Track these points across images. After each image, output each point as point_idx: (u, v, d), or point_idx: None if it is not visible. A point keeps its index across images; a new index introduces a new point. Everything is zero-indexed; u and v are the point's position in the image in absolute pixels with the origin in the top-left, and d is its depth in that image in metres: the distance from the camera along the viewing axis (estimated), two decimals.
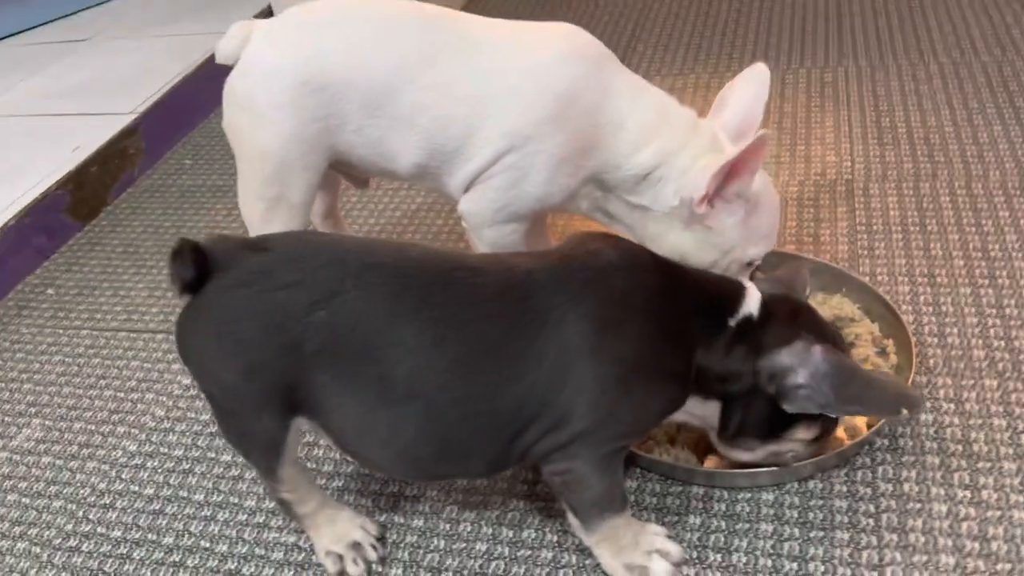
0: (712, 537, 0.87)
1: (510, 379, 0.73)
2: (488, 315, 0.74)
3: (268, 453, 0.79)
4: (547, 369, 0.73)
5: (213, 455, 1.07)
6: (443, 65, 0.95)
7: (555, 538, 0.89)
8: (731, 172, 0.89)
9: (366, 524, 0.91)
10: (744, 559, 0.84)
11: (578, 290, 0.75)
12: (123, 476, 1.07)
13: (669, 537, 0.85)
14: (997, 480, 0.88)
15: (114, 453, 1.10)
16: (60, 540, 0.99)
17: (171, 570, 0.93)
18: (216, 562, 0.93)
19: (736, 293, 0.81)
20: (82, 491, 1.06)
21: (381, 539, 0.91)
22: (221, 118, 1.02)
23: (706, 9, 2.10)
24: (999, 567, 0.80)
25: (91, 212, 1.70)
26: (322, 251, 0.76)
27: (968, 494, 0.87)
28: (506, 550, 0.89)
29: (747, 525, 0.88)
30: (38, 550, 0.99)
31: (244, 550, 0.94)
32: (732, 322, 0.79)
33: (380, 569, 0.89)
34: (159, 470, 1.06)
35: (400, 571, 0.89)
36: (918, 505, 0.87)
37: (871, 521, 0.86)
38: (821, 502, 0.88)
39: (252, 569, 0.92)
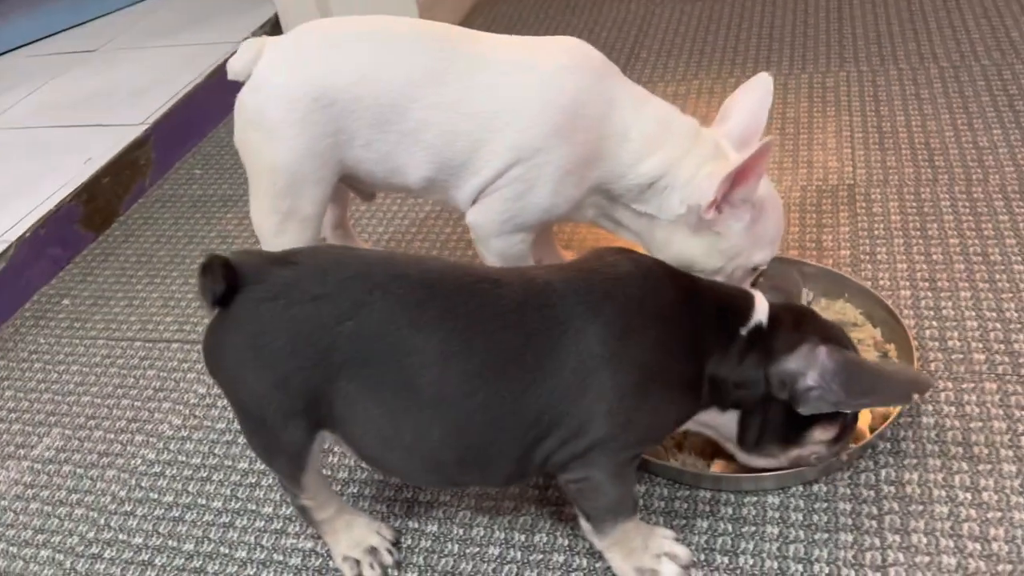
0: (719, 540, 0.89)
1: (531, 386, 0.75)
2: (510, 324, 0.76)
3: (293, 462, 0.81)
4: (567, 376, 0.75)
5: (230, 463, 1.09)
6: (449, 82, 0.98)
7: (566, 542, 0.92)
8: (737, 178, 0.91)
9: (382, 529, 0.93)
10: (751, 561, 0.86)
11: (597, 300, 0.78)
12: (143, 484, 1.09)
13: (677, 540, 0.87)
14: (997, 482, 0.90)
15: (133, 461, 1.13)
16: (83, 547, 1.02)
17: None
18: (236, 568, 0.96)
19: (746, 303, 0.83)
20: (103, 499, 1.08)
21: (396, 544, 0.94)
22: (230, 127, 1.04)
23: (708, 15, 2.12)
24: (1000, 568, 0.82)
25: (104, 223, 1.72)
26: (347, 264, 0.79)
27: (969, 495, 0.89)
28: (518, 554, 0.91)
29: (753, 528, 0.90)
30: (61, 557, 1.01)
31: (263, 556, 0.96)
32: (744, 331, 0.81)
33: (396, 574, 0.91)
34: (178, 478, 1.09)
35: None
36: (920, 507, 0.89)
37: (874, 523, 0.88)
38: (825, 505, 0.91)
39: (271, 574, 0.94)
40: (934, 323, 1.11)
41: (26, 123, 2.07)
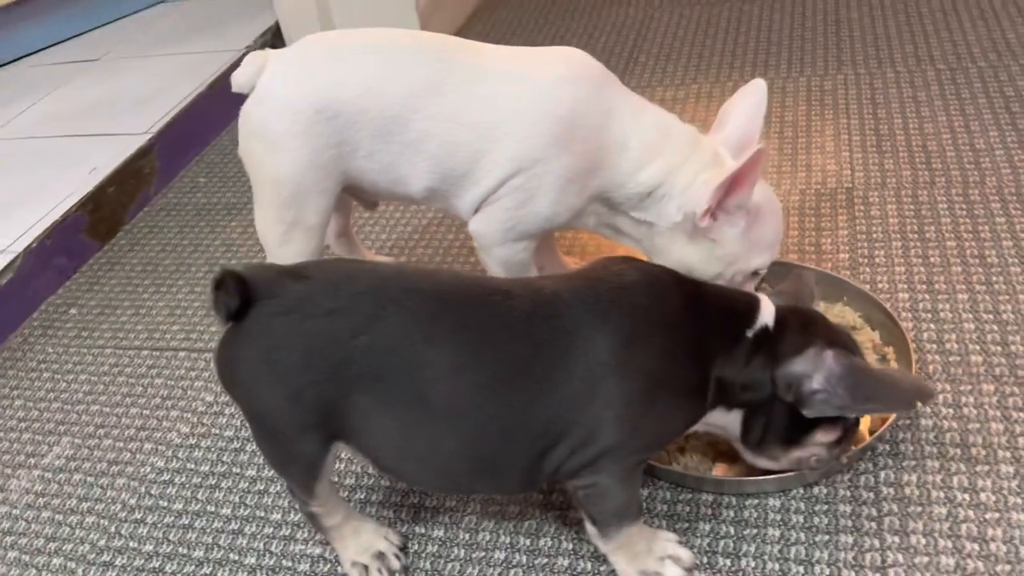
0: (722, 543, 0.91)
1: (540, 396, 0.77)
2: (519, 335, 0.77)
3: (307, 472, 0.83)
4: (575, 385, 0.77)
5: (238, 470, 1.11)
6: (450, 93, 0.99)
7: (571, 546, 0.93)
8: (731, 185, 0.92)
9: (389, 535, 0.95)
10: (753, 563, 0.88)
11: (604, 308, 0.79)
12: (152, 492, 1.11)
13: (680, 543, 0.89)
14: (995, 483, 0.91)
15: (143, 469, 1.15)
16: (94, 555, 1.04)
17: None
18: (245, 574, 0.97)
19: (752, 306, 0.84)
20: (113, 507, 1.10)
21: (404, 549, 0.95)
22: (233, 136, 1.05)
23: (706, 20, 2.13)
24: (998, 568, 0.83)
25: (109, 232, 1.74)
26: (360, 278, 0.80)
27: (967, 497, 0.90)
28: (524, 558, 0.93)
29: (755, 531, 0.91)
30: (73, 565, 1.03)
31: (271, 562, 0.98)
32: (750, 334, 0.82)
33: None
34: (187, 485, 1.11)
35: None
36: (919, 508, 0.90)
37: (874, 524, 0.89)
38: (826, 507, 0.92)
39: None
40: (932, 326, 1.12)
41: (31, 133, 2.08)
